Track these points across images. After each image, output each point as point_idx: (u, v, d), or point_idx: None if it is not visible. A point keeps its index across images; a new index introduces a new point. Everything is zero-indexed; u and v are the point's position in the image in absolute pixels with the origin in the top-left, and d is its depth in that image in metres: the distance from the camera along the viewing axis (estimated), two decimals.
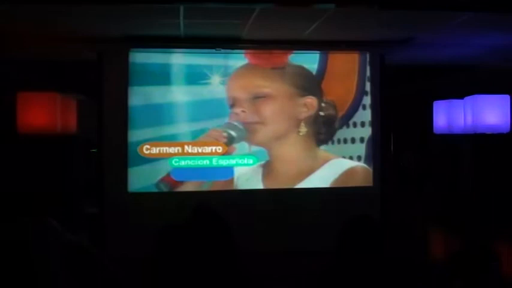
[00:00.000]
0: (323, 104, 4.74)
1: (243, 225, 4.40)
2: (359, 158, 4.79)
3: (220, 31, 4.23)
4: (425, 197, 6.38)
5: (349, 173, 4.73)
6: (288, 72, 4.71)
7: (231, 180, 4.65)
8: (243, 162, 4.63)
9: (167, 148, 4.55)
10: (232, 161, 4.63)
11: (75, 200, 5.06)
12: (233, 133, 4.58)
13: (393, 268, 2.00)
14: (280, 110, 4.65)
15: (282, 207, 4.66)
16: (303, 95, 4.70)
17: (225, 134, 4.58)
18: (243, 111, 4.59)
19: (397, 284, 1.97)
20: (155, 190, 4.55)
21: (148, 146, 4.52)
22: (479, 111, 4.80)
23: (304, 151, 4.70)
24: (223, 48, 4.59)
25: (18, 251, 2.63)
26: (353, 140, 4.78)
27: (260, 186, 4.67)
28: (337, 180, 4.72)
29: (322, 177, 4.71)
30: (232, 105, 4.61)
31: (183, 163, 4.57)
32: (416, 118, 6.56)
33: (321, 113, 4.73)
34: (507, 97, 4.83)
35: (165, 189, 4.56)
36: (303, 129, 4.68)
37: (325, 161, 4.72)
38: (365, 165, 4.79)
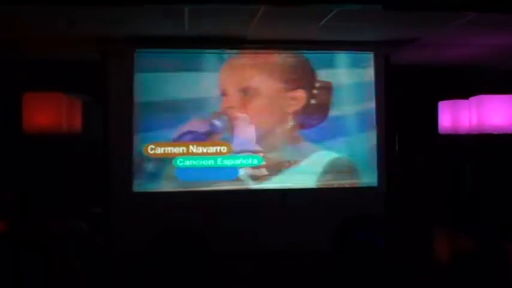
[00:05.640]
0: (315, 91, 4.70)
1: (242, 225, 4.46)
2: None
3: (225, 32, 4.24)
4: (430, 197, 6.36)
5: (333, 163, 4.67)
6: (277, 64, 4.66)
7: (236, 180, 4.64)
8: (247, 162, 4.63)
9: (172, 148, 4.56)
10: (237, 161, 4.63)
11: (80, 199, 5.08)
12: (218, 123, 4.56)
13: (395, 268, 1.99)
14: (268, 106, 4.62)
15: (282, 207, 4.65)
16: (292, 89, 4.66)
17: (207, 124, 4.55)
18: (231, 106, 4.57)
19: (400, 284, 1.97)
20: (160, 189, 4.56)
21: (153, 146, 4.53)
22: (484, 112, 4.78)
23: (289, 143, 4.65)
24: (228, 49, 4.60)
25: (43, 250, 2.64)
26: (342, 134, 4.72)
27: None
28: (322, 172, 4.65)
29: (306, 169, 4.64)
30: (222, 97, 4.59)
31: (187, 163, 4.58)
32: (421, 118, 6.54)
33: (312, 101, 4.69)
34: None
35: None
36: (291, 122, 4.65)
37: (309, 153, 4.66)
38: (349, 158, 4.71)
